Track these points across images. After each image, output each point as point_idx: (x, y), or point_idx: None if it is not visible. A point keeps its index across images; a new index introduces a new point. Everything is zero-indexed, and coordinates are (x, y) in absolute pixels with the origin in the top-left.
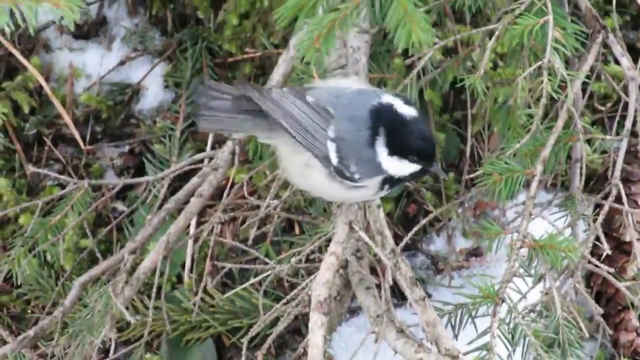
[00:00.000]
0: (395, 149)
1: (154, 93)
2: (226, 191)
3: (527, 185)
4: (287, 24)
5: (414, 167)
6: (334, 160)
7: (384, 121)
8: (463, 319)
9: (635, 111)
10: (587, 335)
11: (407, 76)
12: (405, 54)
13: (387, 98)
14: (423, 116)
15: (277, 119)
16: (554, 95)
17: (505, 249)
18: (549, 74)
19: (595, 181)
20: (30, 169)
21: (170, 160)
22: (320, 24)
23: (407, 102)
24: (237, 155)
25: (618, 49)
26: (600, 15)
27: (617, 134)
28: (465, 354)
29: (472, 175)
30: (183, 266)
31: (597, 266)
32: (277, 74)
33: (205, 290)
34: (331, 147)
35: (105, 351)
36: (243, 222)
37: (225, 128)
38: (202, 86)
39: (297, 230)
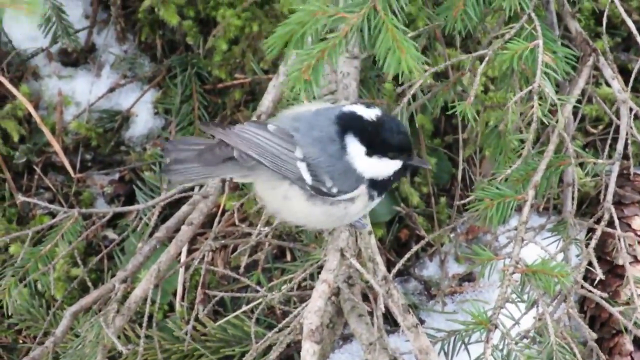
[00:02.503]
0: (373, 149)
1: (143, 120)
2: (217, 219)
3: (519, 209)
4: (277, 53)
5: (395, 164)
6: (308, 179)
7: (352, 128)
8: (456, 345)
9: (627, 134)
10: None
11: (397, 102)
12: (396, 79)
13: (347, 107)
14: (388, 114)
15: (245, 151)
16: (545, 120)
17: (498, 274)
18: (540, 98)
19: (589, 204)
20: (20, 198)
21: (161, 187)
22: (309, 54)
23: (368, 105)
24: (227, 182)
25: (609, 72)
26: (592, 36)
27: (610, 156)
28: None
29: (464, 202)
30: (174, 294)
31: (590, 291)
32: (267, 100)
33: (197, 319)
34: (302, 167)
35: None
36: (234, 249)
37: (196, 177)
38: (169, 142)
39: (288, 257)
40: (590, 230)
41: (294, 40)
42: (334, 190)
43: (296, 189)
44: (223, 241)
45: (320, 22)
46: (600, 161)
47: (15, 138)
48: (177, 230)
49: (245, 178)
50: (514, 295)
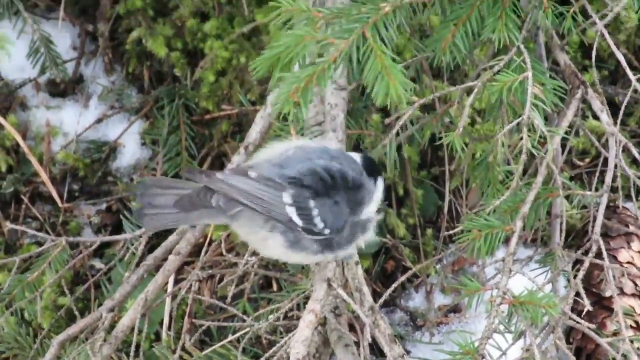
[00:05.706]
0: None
1: (131, 151)
2: (204, 249)
3: (507, 241)
4: (262, 76)
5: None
6: (299, 222)
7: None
8: None
9: (615, 167)
10: None
11: (385, 134)
12: (383, 111)
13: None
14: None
15: (233, 196)
16: (534, 152)
17: (484, 306)
18: (529, 130)
19: (575, 236)
20: (8, 226)
21: None
22: (298, 77)
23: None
24: None
25: (598, 105)
26: (579, 70)
27: (597, 189)
28: None
29: (451, 232)
30: (161, 324)
31: (577, 322)
32: (254, 131)
33: (183, 348)
34: (291, 212)
35: None
36: (221, 279)
37: (172, 223)
38: (140, 185)
39: (275, 287)
40: (578, 262)
41: (281, 65)
42: (327, 231)
43: (277, 235)
44: (210, 271)
45: (308, 47)
46: (589, 193)
47: (3, 168)
48: (165, 260)
49: (224, 223)
50: (501, 326)
